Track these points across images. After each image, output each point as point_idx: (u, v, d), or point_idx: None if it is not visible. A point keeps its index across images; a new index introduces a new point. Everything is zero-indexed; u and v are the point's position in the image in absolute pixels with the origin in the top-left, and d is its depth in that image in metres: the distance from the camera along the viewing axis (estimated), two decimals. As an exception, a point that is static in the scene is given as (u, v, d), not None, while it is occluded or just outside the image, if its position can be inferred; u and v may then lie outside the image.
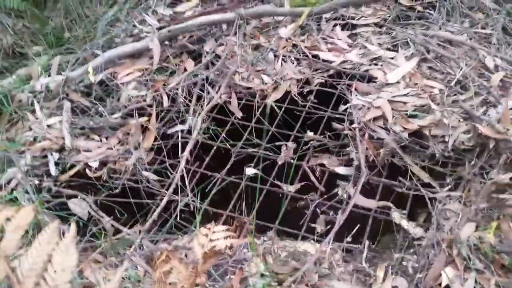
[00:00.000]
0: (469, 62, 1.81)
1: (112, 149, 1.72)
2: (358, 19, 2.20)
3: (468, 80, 1.71)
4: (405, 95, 1.70)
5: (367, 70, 1.90)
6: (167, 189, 1.58)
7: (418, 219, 1.49)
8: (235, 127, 1.86)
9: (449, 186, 1.49)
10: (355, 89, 1.77)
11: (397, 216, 1.44)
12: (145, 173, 1.64)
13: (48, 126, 1.79)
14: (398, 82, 1.77)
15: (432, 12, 2.16)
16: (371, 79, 1.86)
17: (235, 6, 2.19)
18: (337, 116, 1.78)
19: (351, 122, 1.67)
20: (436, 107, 1.61)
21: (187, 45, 2.12)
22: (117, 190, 1.60)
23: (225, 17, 2.14)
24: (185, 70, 2.04)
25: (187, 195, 1.55)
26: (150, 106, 1.88)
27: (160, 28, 2.16)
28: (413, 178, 1.54)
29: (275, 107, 1.89)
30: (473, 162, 1.50)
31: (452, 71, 1.77)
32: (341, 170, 1.60)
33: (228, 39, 2.12)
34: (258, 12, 2.17)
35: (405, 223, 1.41)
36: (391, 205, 1.47)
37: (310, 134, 1.74)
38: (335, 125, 1.71)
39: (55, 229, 0.71)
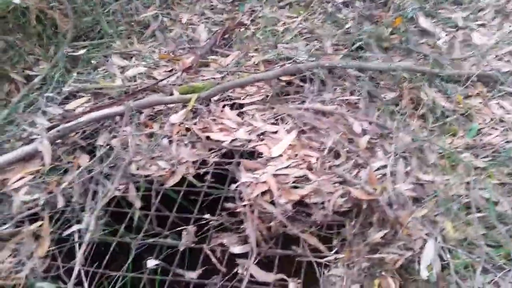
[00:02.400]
0: (339, 129, 2.03)
1: (3, 263, 1.65)
2: (243, 98, 2.40)
3: (339, 147, 1.92)
4: (287, 167, 1.86)
5: (254, 147, 2.05)
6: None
7: (312, 286, 1.60)
8: (133, 219, 1.89)
9: (336, 249, 1.63)
10: (244, 167, 1.91)
11: (293, 286, 1.53)
12: (39, 284, 1.59)
13: None
14: (281, 155, 1.93)
15: (307, 86, 2.41)
16: (258, 155, 2.01)
17: (125, 99, 2.28)
18: (232, 195, 1.89)
19: (242, 199, 1.78)
20: (313, 177, 1.78)
21: (79, 142, 2.15)
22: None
23: (115, 111, 2.21)
24: (79, 167, 2.05)
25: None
26: (44, 209, 1.85)
27: (50, 128, 2.17)
28: (304, 245, 1.66)
29: (173, 192, 1.96)
30: (353, 223, 1.67)
31: (326, 139, 1.98)
32: (237, 249, 1.68)
33: (121, 130, 2.18)
34: (148, 102, 2.28)
35: (300, 293, 1.50)
36: (285, 277, 1.56)
37: (207, 215, 1.82)
38: (228, 204, 1.81)
39: None
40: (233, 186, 1.87)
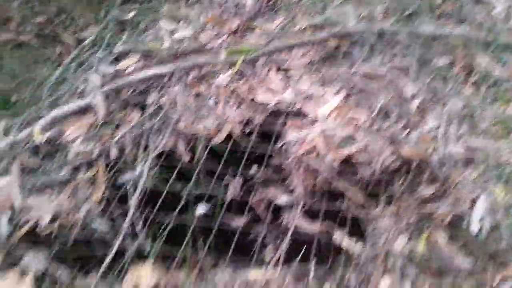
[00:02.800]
0: (389, 93, 2.01)
1: (62, 204, 1.75)
2: (290, 62, 2.40)
3: (388, 109, 1.90)
4: (334, 127, 1.86)
5: (300, 108, 2.06)
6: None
7: (356, 238, 1.61)
8: (183, 171, 1.96)
9: (382, 205, 1.63)
10: (290, 126, 1.92)
11: (338, 236, 1.55)
12: (95, 224, 1.68)
13: (-3, 188, 1.81)
14: (327, 117, 1.94)
15: (356, 50, 2.39)
16: (304, 116, 2.02)
17: (174, 60, 2.33)
18: (277, 151, 1.91)
19: (288, 157, 1.81)
20: (361, 137, 1.78)
21: (131, 99, 2.22)
22: (69, 243, 1.63)
23: (164, 71, 2.27)
24: (130, 121, 2.13)
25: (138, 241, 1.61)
26: (98, 159, 1.94)
27: (103, 85, 2.26)
28: (349, 201, 1.67)
29: (220, 149, 2.01)
30: (401, 181, 1.67)
31: (375, 102, 1.97)
32: (282, 200, 1.71)
33: (170, 90, 2.24)
34: (195, 63, 2.32)
35: (345, 243, 1.52)
36: (332, 226, 1.59)
37: (254, 168, 1.86)
38: (275, 160, 1.84)
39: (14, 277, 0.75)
40: (279, 144, 1.89)
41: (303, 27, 2.59)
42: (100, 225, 1.69)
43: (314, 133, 1.82)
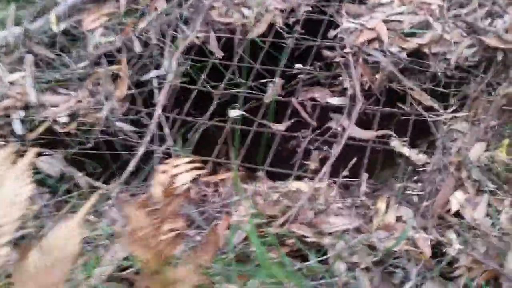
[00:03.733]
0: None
1: (81, 101, 1.56)
2: None
3: (469, -10, 1.52)
4: (400, 13, 1.52)
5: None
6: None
7: (420, 146, 1.35)
8: (216, 68, 1.70)
9: (454, 107, 1.34)
10: (346, 12, 1.59)
11: (397, 144, 1.29)
12: (119, 124, 1.49)
13: (10, 83, 1.63)
14: (391, 1, 1.58)
15: None
16: (362, 0, 1.67)
17: None
18: (328, 44, 1.60)
19: (343, 48, 1.50)
20: (436, 23, 1.43)
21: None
22: (89, 145, 1.46)
23: None
24: (156, 9, 1.84)
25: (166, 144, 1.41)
26: (120, 52, 1.70)
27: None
28: (413, 103, 1.39)
29: (259, 42, 1.72)
30: (479, 79, 1.35)
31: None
32: (334, 101, 1.44)
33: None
34: None
35: (406, 151, 1.27)
36: (391, 132, 1.32)
37: (298, 66, 1.58)
38: (326, 53, 1.54)
39: (10, 153, 0.58)
40: (332, 33, 1.58)
41: None
42: (124, 126, 1.50)
43: (377, 19, 1.49)
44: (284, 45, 1.68)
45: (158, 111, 1.51)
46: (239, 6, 1.82)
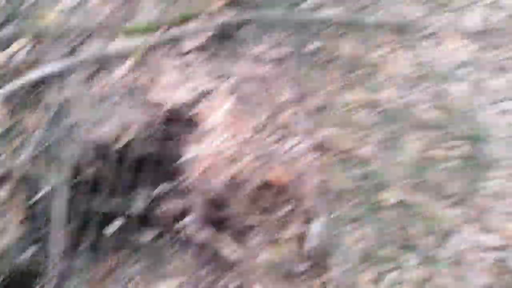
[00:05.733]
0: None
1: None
2: (186, 43, 2.44)
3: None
4: (224, 142, 2.14)
5: (196, 114, 2.25)
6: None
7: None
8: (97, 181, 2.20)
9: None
10: (186, 140, 2.17)
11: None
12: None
13: None
14: (219, 127, 2.18)
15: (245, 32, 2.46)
16: (198, 124, 2.24)
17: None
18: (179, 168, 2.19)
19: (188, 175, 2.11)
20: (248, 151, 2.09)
21: (28, 99, 2.25)
22: None
23: (61, 67, 2.25)
24: (31, 128, 2.22)
25: None
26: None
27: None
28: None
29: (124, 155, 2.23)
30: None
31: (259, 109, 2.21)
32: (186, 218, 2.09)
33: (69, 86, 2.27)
34: (94, 56, 2.30)
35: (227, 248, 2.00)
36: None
37: (161, 186, 2.16)
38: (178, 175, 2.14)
39: None
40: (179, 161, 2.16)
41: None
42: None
43: (208, 151, 2.10)
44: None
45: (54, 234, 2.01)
46: (103, 122, 2.27)
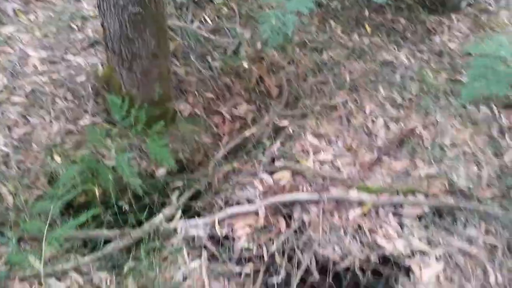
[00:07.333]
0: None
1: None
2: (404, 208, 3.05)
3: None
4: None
5: (409, 265, 2.72)
6: None
7: None
8: None
9: None
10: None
11: None
12: None
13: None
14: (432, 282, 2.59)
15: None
16: (409, 271, 2.69)
17: (321, 190, 3.07)
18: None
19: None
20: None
21: (280, 208, 3.00)
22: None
23: (311, 197, 3.02)
24: (280, 231, 2.91)
25: None
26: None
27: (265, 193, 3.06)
28: None
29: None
30: None
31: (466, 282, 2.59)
32: None
33: (312, 210, 2.99)
34: (334, 196, 3.04)
35: None
36: None
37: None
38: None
39: None
40: None
41: (422, 175, 3.22)
42: None
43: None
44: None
45: None
46: (337, 245, 2.88)
